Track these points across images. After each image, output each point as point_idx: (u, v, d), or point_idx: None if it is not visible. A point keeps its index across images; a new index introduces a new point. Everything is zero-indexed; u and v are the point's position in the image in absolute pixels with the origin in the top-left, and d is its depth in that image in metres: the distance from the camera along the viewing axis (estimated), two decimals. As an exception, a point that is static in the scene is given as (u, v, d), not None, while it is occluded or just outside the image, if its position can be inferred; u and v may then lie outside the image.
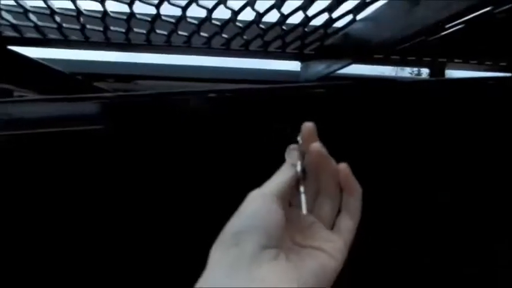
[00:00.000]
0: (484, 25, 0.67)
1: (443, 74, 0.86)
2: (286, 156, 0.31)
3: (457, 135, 0.52)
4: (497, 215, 0.50)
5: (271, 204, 0.27)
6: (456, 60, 0.82)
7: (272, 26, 0.64)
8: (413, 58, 0.80)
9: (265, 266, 0.24)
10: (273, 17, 0.62)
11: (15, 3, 0.58)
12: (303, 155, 0.30)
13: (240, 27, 0.64)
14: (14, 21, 0.63)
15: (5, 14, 0.61)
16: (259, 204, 0.27)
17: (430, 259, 0.47)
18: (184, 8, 0.58)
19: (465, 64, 0.84)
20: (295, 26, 0.64)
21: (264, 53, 0.76)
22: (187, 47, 0.73)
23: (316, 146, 0.29)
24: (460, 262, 0.48)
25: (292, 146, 0.31)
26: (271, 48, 0.75)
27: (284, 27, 0.64)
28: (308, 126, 0.30)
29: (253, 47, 0.74)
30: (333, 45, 0.71)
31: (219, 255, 0.25)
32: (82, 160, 0.45)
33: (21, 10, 0.60)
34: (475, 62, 0.82)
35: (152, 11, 0.59)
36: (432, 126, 0.51)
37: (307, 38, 0.70)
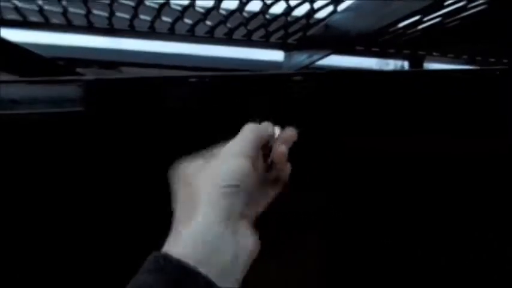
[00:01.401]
0: (461, 19, 0.69)
1: (421, 66, 0.88)
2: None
3: (433, 125, 0.54)
4: (484, 207, 0.52)
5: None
6: (435, 54, 0.84)
7: (255, 14, 0.65)
8: (393, 51, 0.82)
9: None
10: (256, 5, 0.63)
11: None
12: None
13: (223, 15, 0.65)
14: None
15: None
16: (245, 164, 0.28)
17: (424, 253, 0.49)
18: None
19: (443, 58, 0.86)
20: (278, 16, 0.65)
21: (247, 42, 0.77)
22: (171, 34, 0.73)
23: (284, 150, 0.31)
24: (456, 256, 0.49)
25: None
26: (254, 37, 0.76)
27: (267, 16, 0.65)
28: (292, 134, 0.33)
29: (237, 35, 0.75)
30: (314, 36, 0.72)
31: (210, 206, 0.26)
32: (60, 142, 0.45)
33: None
34: (452, 55, 0.85)
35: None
36: (405, 115, 0.53)
37: (290, 27, 0.71)
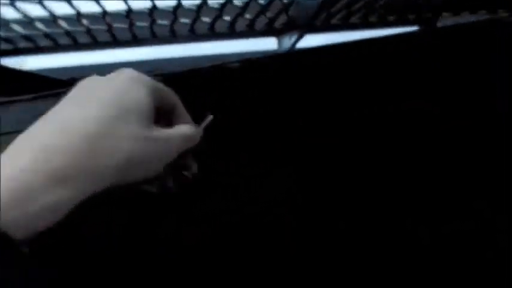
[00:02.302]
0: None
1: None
2: None
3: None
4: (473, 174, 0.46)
5: None
6: (445, 14, 0.75)
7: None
8: (394, 17, 0.75)
9: None
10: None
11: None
12: None
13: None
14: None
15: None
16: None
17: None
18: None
19: (457, 17, 0.77)
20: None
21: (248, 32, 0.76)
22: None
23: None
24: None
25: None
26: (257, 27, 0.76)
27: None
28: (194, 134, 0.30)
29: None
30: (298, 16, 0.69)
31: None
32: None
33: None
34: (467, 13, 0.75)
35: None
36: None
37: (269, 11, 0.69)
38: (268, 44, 0.93)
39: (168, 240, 0.36)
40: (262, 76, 0.42)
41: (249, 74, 0.41)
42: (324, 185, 0.39)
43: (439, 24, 0.80)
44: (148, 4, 0.64)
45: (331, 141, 0.40)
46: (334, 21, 0.77)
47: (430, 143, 0.46)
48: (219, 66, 0.39)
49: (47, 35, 0.72)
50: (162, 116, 0.29)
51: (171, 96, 0.30)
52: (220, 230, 0.35)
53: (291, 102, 0.42)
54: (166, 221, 0.35)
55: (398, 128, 0.48)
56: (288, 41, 0.76)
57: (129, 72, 0.27)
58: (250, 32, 0.76)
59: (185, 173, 0.32)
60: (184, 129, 0.29)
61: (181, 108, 0.31)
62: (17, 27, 0.69)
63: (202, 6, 0.64)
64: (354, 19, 0.77)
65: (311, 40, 0.76)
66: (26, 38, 0.74)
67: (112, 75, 0.27)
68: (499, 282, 0.38)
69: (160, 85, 0.28)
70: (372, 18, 0.77)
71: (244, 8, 0.67)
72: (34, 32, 0.71)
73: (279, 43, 0.82)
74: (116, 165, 0.22)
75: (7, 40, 0.74)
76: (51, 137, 0.21)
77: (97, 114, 0.23)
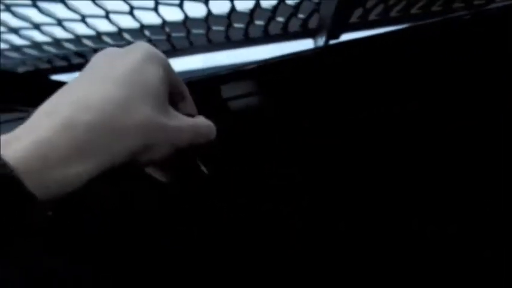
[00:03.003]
0: None
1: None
2: None
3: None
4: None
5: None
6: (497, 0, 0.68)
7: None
8: (439, 7, 0.70)
9: None
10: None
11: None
12: None
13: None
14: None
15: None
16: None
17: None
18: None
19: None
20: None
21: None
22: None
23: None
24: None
25: None
26: (290, 29, 0.75)
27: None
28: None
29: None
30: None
31: None
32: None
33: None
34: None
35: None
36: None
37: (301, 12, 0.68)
38: (305, 45, 0.92)
39: (172, 235, 0.36)
40: (271, 79, 0.41)
41: (261, 77, 0.41)
42: (331, 185, 0.37)
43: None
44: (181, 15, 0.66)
45: (337, 141, 0.38)
46: (372, 17, 0.73)
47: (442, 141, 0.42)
48: (236, 69, 0.39)
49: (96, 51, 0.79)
50: (169, 100, 0.29)
51: (180, 83, 0.30)
52: (225, 227, 0.35)
53: (298, 103, 0.40)
54: (172, 215, 0.35)
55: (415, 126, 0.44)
56: (323, 41, 0.74)
57: (146, 48, 0.27)
58: (285, 35, 0.76)
59: (202, 167, 0.32)
60: (200, 122, 0.30)
61: (188, 97, 0.32)
62: (88, 42, 0.76)
63: (231, 13, 0.66)
64: (393, 13, 0.73)
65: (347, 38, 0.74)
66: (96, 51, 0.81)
67: (129, 48, 0.27)
68: (499, 282, 0.34)
69: (172, 68, 0.29)
70: (414, 10, 0.72)
71: (275, 11, 0.66)
72: (102, 46, 0.78)
73: (315, 44, 0.81)
74: (132, 144, 0.24)
75: (79, 54, 0.81)
76: (72, 112, 0.22)
77: (115, 95, 0.23)
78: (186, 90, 0.31)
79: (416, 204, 0.37)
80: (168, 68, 0.28)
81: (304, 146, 0.36)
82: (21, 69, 0.85)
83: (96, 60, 0.27)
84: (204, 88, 0.41)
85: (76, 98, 0.23)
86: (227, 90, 0.39)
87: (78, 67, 0.86)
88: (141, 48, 0.27)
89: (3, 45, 0.72)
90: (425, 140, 0.38)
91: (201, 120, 0.30)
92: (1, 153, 0.19)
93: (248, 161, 0.31)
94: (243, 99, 0.41)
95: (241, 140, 0.34)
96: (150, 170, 0.31)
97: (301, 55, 0.40)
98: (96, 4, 0.58)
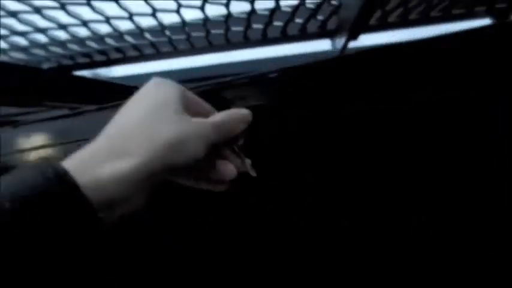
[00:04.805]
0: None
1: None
2: None
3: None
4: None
5: None
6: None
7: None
8: (460, 10, 0.69)
9: None
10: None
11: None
12: None
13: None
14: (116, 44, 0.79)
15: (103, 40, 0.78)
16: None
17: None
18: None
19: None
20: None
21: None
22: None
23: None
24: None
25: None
26: (309, 30, 0.76)
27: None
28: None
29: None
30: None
31: None
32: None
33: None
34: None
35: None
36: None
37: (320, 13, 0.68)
38: (321, 45, 0.92)
39: (176, 234, 0.38)
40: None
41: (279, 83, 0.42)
42: (333, 183, 0.38)
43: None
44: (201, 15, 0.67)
45: (340, 139, 0.39)
46: (391, 19, 0.73)
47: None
48: (258, 75, 0.40)
49: (134, 46, 0.81)
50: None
51: (202, 103, 0.35)
52: (229, 226, 0.36)
53: (300, 104, 0.41)
54: (174, 214, 0.37)
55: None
56: (341, 42, 0.74)
57: (154, 79, 0.33)
58: (302, 35, 0.76)
59: (250, 170, 0.34)
60: (216, 117, 0.33)
61: (212, 110, 0.35)
62: (109, 41, 0.78)
63: (251, 14, 0.66)
64: (413, 15, 0.72)
65: (366, 40, 0.74)
66: (117, 49, 0.83)
67: (145, 85, 0.33)
68: (501, 283, 0.35)
69: (184, 88, 0.33)
70: (434, 13, 0.72)
71: (294, 12, 0.67)
72: (123, 44, 0.80)
73: (332, 44, 0.81)
74: (164, 143, 0.28)
75: (100, 52, 0.84)
76: (117, 130, 0.29)
77: (143, 116, 0.29)
78: (210, 109, 0.35)
79: (417, 204, 0.38)
80: (176, 85, 0.32)
81: (307, 146, 0.37)
82: (45, 66, 0.87)
83: (131, 99, 0.32)
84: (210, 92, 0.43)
85: (121, 122, 0.29)
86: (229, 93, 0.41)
87: (100, 64, 0.89)
88: (151, 81, 0.33)
89: (28, 44, 0.74)
90: (426, 140, 0.39)
91: (217, 115, 0.33)
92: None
93: (251, 160, 0.32)
94: (244, 100, 0.42)
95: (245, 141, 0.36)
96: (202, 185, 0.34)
97: (319, 63, 0.41)
98: (121, 7, 0.60)
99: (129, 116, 0.29)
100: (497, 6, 0.68)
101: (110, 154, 0.26)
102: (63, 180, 0.23)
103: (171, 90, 0.31)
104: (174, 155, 0.28)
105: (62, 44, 0.76)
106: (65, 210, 0.21)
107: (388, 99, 0.44)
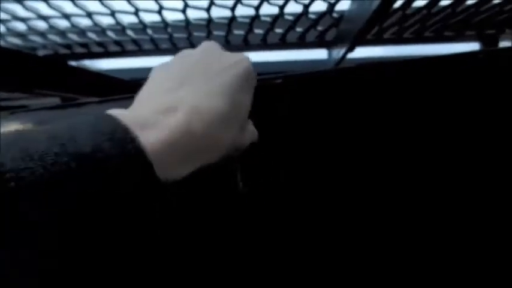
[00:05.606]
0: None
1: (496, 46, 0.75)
2: None
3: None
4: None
5: None
6: (508, 31, 0.71)
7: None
8: (451, 34, 0.73)
9: None
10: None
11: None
12: None
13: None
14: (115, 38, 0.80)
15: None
16: None
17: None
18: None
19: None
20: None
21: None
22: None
23: None
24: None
25: None
26: (307, 39, 0.79)
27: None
28: None
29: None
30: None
31: None
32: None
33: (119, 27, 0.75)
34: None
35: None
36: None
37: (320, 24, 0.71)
38: (318, 54, 0.95)
39: (173, 233, 0.38)
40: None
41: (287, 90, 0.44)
42: (332, 183, 0.40)
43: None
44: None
45: (341, 143, 0.41)
46: (386, 35, 0.76)
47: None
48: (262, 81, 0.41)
49: (116, 42, 0.81)
50: None
51: None
52: (226, 226, 0.37)
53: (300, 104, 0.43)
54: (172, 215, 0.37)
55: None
56: (337, 53, 0.77)
57: (247, 65, 0.29)
58: (301, 43, 0.78)
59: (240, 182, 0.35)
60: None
61: None
62: (91, 35, 0.78)
63: (254, 19, 0.68)
64: (407, 34, 0.76)
65: (361, 52, 0.77)
66: (98, 44, 0.83)
67: (230, 58, 0.28)
68: (501, 283, 0.36)
69: None
70: (427, 33, 0.75)
71: (296, 21, 0.69)
72: (123, 38, 0.80)
73: (329, 54, 0.83)
74: (216, 156, 0.25)
75: (82, 45, 0.84)
76: (190, 118, 0.24)
77: (222, 111, 0.25)
78: None
79: (418, 203, 0.40)
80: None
81: (307, 146, 0.38)
82: (41, 53, 0.86)
83: (195, 59, 0.28)
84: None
85: (191, 100, 0.24)
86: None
87: (97, 55, 0.88)
88: (243, 64, 0.28)
89: (26, 29, 0.73)
90: (428, 140, 0.41)
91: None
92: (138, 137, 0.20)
93: (251, 160, 0.34)
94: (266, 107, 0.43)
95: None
96: None
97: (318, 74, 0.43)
98: (129, 2, 0.60)
99: (210, 107, 0.25)
100: (486, 32, 0.72)
101: (181, 159, 0.24)
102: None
103: (251, 95, 0.29)
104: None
105: (61, 32, 0.76)
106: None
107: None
